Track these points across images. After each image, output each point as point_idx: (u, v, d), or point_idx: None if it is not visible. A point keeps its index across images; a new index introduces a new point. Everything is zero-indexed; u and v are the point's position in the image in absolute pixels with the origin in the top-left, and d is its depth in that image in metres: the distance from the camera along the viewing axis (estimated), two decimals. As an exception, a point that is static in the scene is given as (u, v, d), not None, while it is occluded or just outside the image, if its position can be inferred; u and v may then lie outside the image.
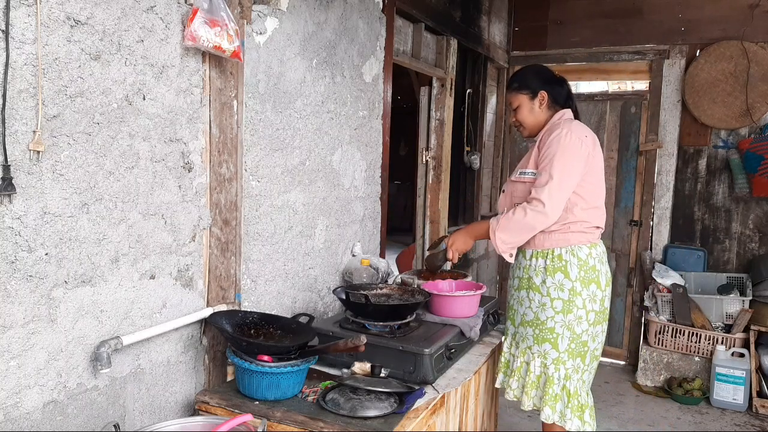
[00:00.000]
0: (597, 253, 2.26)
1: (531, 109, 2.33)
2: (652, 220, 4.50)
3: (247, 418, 1.53)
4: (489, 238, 2.29)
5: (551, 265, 2.22)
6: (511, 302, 2.42)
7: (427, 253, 2.77)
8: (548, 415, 2.21)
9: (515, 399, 2.38)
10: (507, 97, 2.40)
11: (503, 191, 2.42)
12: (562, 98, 2.34)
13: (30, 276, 1.42)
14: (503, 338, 2.48)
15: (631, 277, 4.61)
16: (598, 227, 2.28)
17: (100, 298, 1.60)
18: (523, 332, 2.33)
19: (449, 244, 2.42)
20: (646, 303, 4.21)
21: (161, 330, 1.78)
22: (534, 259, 2.27)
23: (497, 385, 2.49)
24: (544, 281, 2.24)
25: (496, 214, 2.44)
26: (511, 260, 2.27)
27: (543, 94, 2.31)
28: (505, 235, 2.22)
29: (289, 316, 2.26)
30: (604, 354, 4.55)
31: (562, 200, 2.16)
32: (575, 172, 2.16)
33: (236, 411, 1.77)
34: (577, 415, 2.20)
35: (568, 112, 2.33)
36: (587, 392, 2.28)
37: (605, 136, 4.60)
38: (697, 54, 4.22)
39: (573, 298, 2.19)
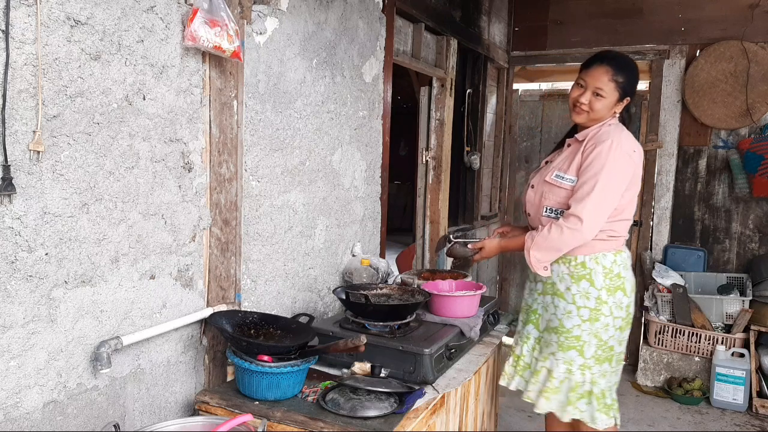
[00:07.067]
0: (622, 260, 2.22)
1: (610, 107, 2.20)
2: (652, 220, 4.50)
3: (247, 418, 1.53)
4: (520, 251, 2.27)
5: (575, 272, 2.18)
6: (534, 306, 2.36)
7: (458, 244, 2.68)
8: (572, 415, 2.19)
9: (530, 401, 2.32)
10: (598, 78, 2.16)
11: (532, 186, 2.33)
12: None
13: (30, 276, 1.42)
14: (516, 339, 2.42)
15: (631, 277, 4.61)
16: (622, 236, 2.24)
17: (100, 298, 1.60)
18: (547, 338, 2.29)
19: (482, 253, 2.40)
20: (646, 303, 4.21)
21: (161, 330, 1.78)
22: (555, 265, 2.23)
23: (512, 387, 2.43)
24: (568, 288, 2.20)
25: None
26: (547, 273, 2.21)
27: (627, 101, 2.23)
28: (541, 254, 2.18)
29: (289, 316, 2.26)
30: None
31: (602, 219, 2.10)
32: (618, 189, 2.11)
33: (236, 411, 1.77)
34: (603, 411, 2.19)
35: (616, 117, 2.26)
36: (612, 395, 2.25)
37: (605, 136, 4.58)
38: (697, 54, 4.22)
39: (599, 306, 2.16)
